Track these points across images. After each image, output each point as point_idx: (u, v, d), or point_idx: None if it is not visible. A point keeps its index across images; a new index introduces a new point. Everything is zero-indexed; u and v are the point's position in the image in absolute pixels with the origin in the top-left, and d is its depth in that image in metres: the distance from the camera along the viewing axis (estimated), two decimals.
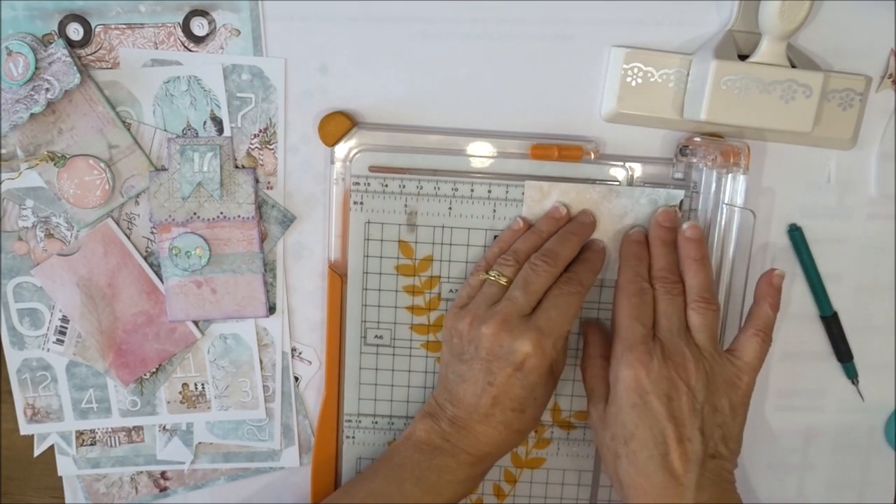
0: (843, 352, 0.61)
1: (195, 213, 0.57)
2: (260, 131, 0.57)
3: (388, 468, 0.56)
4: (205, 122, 0.57)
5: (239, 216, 0.58)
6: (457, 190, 0.58)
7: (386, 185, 0.58)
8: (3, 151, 0.56)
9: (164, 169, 0.57)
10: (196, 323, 0.60)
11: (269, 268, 0.59)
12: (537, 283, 0.54)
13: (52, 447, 0.63)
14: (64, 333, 0.60)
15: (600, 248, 0.57)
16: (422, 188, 0.58)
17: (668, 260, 0.55)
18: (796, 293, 0.60)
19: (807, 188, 0.58)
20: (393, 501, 0.55)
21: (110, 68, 0.56)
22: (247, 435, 0.63)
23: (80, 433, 0.63)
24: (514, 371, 0.53)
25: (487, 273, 0.56)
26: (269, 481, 0.64)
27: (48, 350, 0.61)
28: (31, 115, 0.53)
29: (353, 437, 0.62)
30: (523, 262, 0.55)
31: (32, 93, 0.53)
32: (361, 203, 0.58)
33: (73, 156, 0.56)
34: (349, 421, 0.62)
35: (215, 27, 0.55)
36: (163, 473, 0.64)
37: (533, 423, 0.56)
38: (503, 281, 0.55)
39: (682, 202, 0.57)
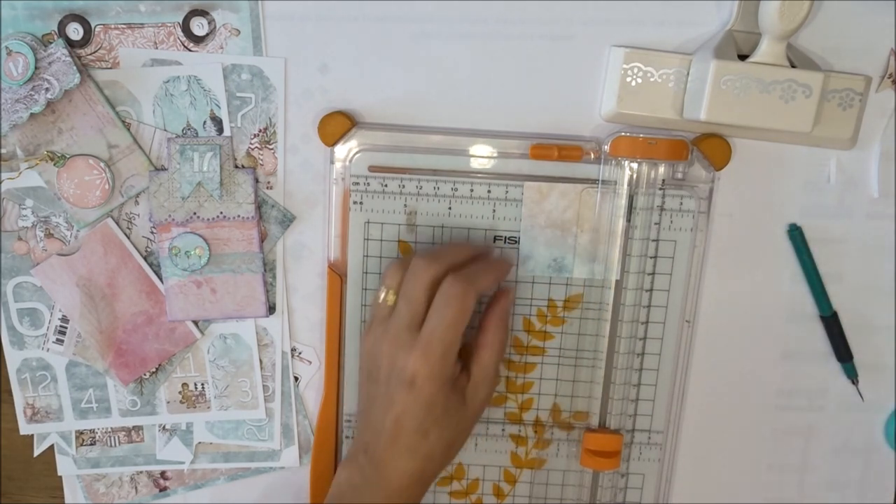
0: (842, 352, 0.61)
1: (195, 213, 0.57)
2: (260, 131, 0.57)
3: None
4: (204, 122, 0.57)
5: (239, 216, 0.58)
6: (456, 190, 0.58)
7: (385, 185, 0.58)
8: (3, 151, 0.56)
9: (163, 169, 0.57)
10: (196, 323, 0.60)
11: (268, 268, 0.59)
12: (415, 289, 0.52)
13: (51, 447, 0.63)
14: (64, 333, 0.60)
15: (505, 261, 0.56)
16: (421, 188, 0.58)
17: None
18: (796, 293, 0.60)
19: (807, 188, 0.58)
20: None
21: (110, 68, 0.56)
22: (247, 435, 0.63)
23: (79, 433, 0.63)
24: (408, 388, 0.51)
25: (381, 291, 0.55)
26: (269, 481, 0.64)
27: (48, 350, 0.61)
28: (31, 114, 0.53)
29: (353, 438, 0.62)
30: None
31: (32, 92, 0.53)
32: (361, 203, 0.58)
33: (72, 155, 0.56)
34: (349, 421, 0.62)
35: (215, 27, 0.55)
36: (163, 473, 0.64)
37: (445, 449, 0.53)
38: (392, 296, 0.53)
39: None
